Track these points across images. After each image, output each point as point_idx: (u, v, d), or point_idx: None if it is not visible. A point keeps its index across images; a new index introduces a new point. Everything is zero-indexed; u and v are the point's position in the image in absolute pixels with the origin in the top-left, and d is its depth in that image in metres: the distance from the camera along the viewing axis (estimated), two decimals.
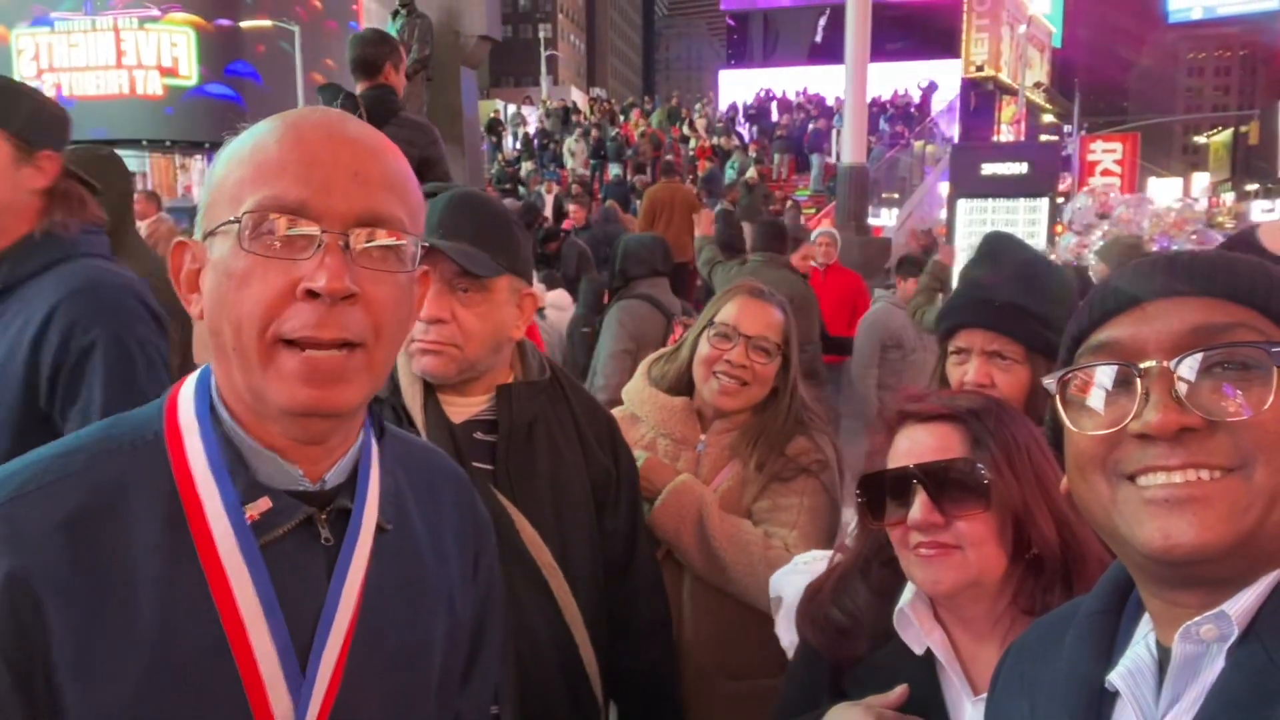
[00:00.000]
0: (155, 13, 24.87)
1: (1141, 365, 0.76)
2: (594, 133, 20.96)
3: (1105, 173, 24.45)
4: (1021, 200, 10.57)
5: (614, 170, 19.43)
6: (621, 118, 24.52)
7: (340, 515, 0.94)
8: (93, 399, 1.65)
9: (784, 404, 2.05)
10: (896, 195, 20.70)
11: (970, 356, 1.82)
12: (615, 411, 2.05)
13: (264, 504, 0.89)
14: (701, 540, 1.94)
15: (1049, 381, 0.84)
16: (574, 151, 20.61)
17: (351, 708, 0.92)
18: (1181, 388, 0.73)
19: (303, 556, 0.91)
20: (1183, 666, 0.76)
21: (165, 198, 13.08)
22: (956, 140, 27.72)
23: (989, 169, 10.85)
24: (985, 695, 1.05)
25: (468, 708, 1.12)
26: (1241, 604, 0.73)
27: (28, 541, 0.81)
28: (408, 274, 0.91)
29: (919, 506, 1.22)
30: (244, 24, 24.88)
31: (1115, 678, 0.80)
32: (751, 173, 16.37)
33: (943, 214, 14.37)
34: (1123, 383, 0.77)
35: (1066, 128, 43.59)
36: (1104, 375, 0.79)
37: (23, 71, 25.15)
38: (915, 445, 1.28)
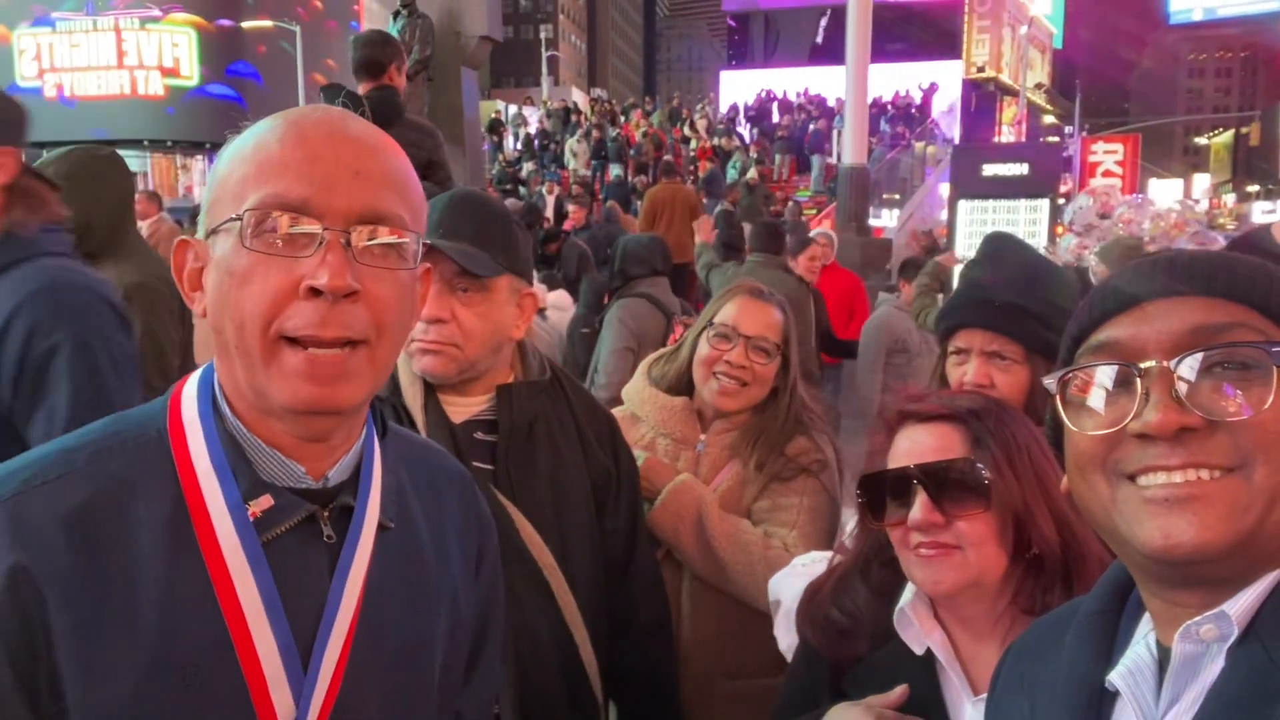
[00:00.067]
0: (156, 13, 24.90)
1: (1141, 365, 0.76)
2: (595, 133, 20.96)
3: (1106, 174, 24.46)
4: (1022, 201, 10.56)
5: (615, 171, 19.43)
6: (622, 118, 24.52)
7: (343, 513, 0.94)
8: (58, 403, 1.61)
9: (784, 404, 2.05)
10: (897, 196, 20.69)
11: (970, 356, 1.82)
12: (615, 411, 2.05)
13: (266, 501, 0.89)
14: (701, 540, 1.94)
15: (1049, 381, 0.84)
16: (576, 152, 20.61)
17: (353, 705, 0.92)
18: (1181, 387, 0.73)
19: (305, 554, 0.91)
20: (1183, 666, 0.76)
21: (166, 198, 13.09)
22: (957, 141, 27.73)
23: (990, 170, 10.84)
24: (985, 695, 1.05)
25: (469, 706, 1.13)
26: (1241, 604, 0.73)
27: (32, 537, 0.81)
28: (409, 271, 0.91)
29: (919, 506, 1.22)
30: (245, 24, 24.90)
31: (1115, 677, 0.80)
32: (752, 173, 16.38)
33: (944, 215, 14.37)
34: (1123, 382, 0.77)
35: (1068, 129, 43.60)
36: (1104, 375, 0.79)
37: (24, 71, 25.21)
38: (915, 445, 1.28)
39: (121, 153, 3.33)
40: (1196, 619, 0.74)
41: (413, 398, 1.59)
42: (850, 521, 1.44)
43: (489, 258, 1.55)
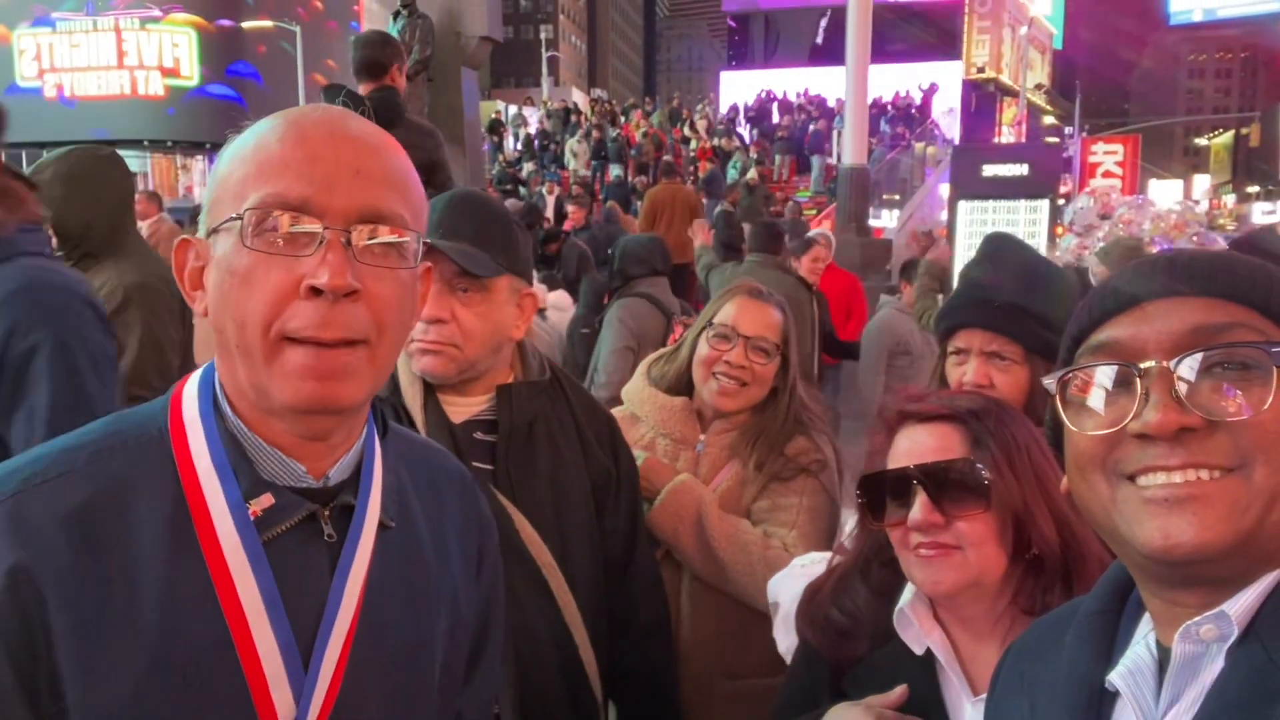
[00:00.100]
0: (157, 13, 24.91)
1: (1141, 365, 0.76)
2: (595, 134, 20.96)
3: (1106, 174, 24.49)
4: (1022, 202, 10.56)
5: (615, 171, 19.43)
6: (623, 119, 24.52)
7: (343, 512, 0.94)
8: (37, 403, 1.61)
9: (783, 404, 2.05)
10: (897, 197, 20.70)
11: (969, 357, 1.82)
12: (615, 411, 2.05)
13: (267, 500, 0.89)
14: (700, 540, 1.94)
15: (1049, 381, 0.84)
16: (576, 152, 20.61)
17: (353, 705, 0.92)
18: (1181, 388, 0.73)
19: (306, 553, 0.91)
20: (1182, 666, 0.76)
21: (166, 198, 13.09)
22: (957, 142, 27.73)
23: (990, 170, 10.83)
24: (985, 695, 1.05)
25: (469, 706, 1.12)
26: (1241, 604, 0.73)
27: (32, 536, 0.81)
28: (410, 270, 0.91)
29: (919, 507, 1.22)
30: (245, 24, 24.91)
31: (1115, 677, 0.80)
32: (752, 174, 16.38)
33: (943, 215, 14.37)
34: (1123, 383, 0.77)
35: (1068, 129, 43.62)
36: (1104, 375, 0.79)
37: (24, 72, 25.22)
38: (915, 445, 1.28)
39: (121, 153, 3.33)
40: (1196, 619, 0.74)
41: (412, 398, 1.59)
42: (849, 522, 1.44)
43: (489, 258, 1.55)
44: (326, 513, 0.93)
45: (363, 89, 4.07)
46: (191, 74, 25.18)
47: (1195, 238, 9.41)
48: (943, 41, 40.27)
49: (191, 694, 0.84)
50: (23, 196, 1.76)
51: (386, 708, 0.96)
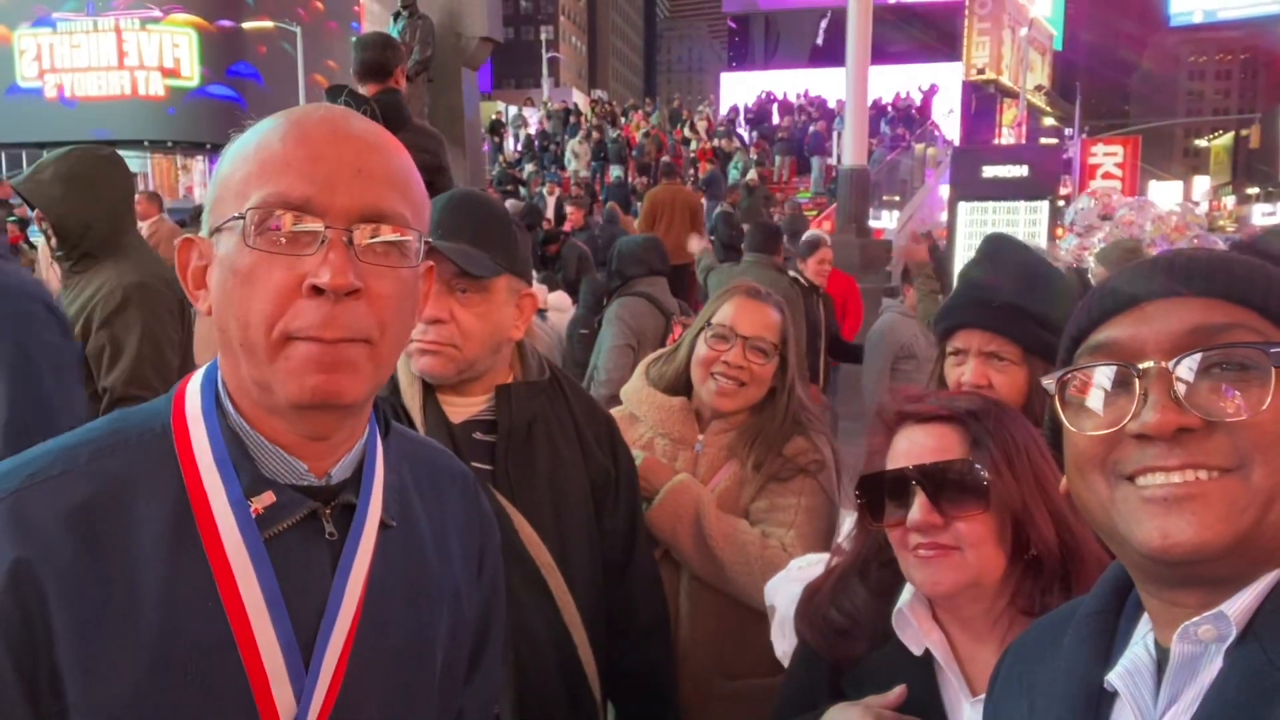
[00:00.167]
0: (157, 14, 24.94)
1: (1140, 365, 0.76)
2: (595, 134, 20.97)
3: (1106, 176, 24.48)
4: (1022, 203, 10.57)
5: (615, 172, 19.44)
6: (623, 119, 24.53)
7: (345, 511, 0.95)
8: None
9: (781, 404, 2.05)
10: (897, 198, 20.71)
11: (968, 357, 1.82)
12: (614, 411, 2.05)
13: (268, 498, 0.89)
14: (698, 540, 1.94)
15: (1048, 382, 0.84)
16: (578, 153, 20.62)
17: (354, 703, 0.92)
18: (1180, 388, 0.73)
19: (307, 551, 0.91)
20: (1181, 667, 0.76)
21: (166, 199, 13.10)
22: (957, 143, 27.73)
23: (990, 172, 10.85)
24: (983, 696, 1.05)
25: (470, 706, 1.13)
26: (1240, 604, 0.73)
27: (35, 532, 0.81)
28: (411, 269, 0.92)
29: (918, 507, 1.22)
30: (246, 25, 24.94)
31: (1114, 678, 0.80)
32: (752, 175, 16.39)
33: (944, 216, 14.38)
34: (1121, 383, 0.77)
35: (1068, 131, 43.63)
36: (1103, 375, 0.79)
37: (25, 72, 25.24)
38: (914, 446, 1.28)
39: (122, 153, 3.32)
40: (1195, 619, 0.74)
41: (411, 398, 1.59)
42: (847, 523, 1.44)
43: (488, 258, 1.55)
44: (328, 511, 0.93)
45: (368, 90, 4.07)
46: (192, 74, 25.22)
47: (1196, 240, 9.42)
48: (943, 43, 40.31)
49: (192, 692, 0.84)
50: None
51: (387, 706, 0.96)
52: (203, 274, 0.91)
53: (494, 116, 26.44)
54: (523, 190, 18.25)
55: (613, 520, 1.73)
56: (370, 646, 0.94)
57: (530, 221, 9.68)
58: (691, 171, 19.57)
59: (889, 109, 25.63)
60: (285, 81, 23.07)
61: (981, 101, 39.82)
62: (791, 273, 5.75)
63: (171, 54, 25.05)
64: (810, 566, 1.65)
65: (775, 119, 26.05)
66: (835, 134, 20.55)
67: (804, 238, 6.35)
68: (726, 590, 1.96)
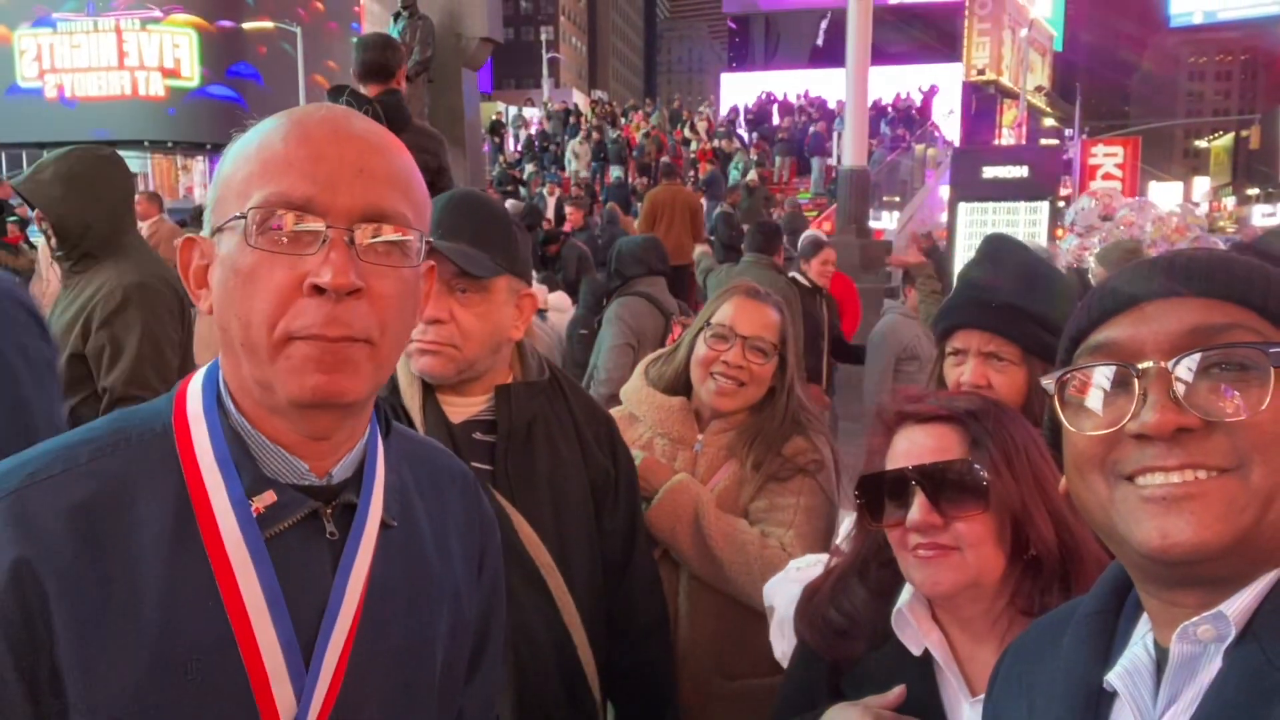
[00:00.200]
0: (157, 14, 24.95)
1: (1139, 366, 0.76)
2: (595, 135, 20.97)
3: (1106, 176, 24.48)
4: (1022, 203, 10.58)
5: (615, 173, 19.44)
6: (623, 120, 24.53)
7: (345, 510, 0.95)
8: None
9: (781, 404, 2.05)
10: (898, 198, 20.72)
11: (967, 357, 1.82)
12: (613, 411, 2.05)
13: (269, 497, 0.89)
14: (697, 539, 1.94)
15: (1047, 382, 0.84)
16: (578, 153, 20.63)
17: (354, 702, 0.92)
18: (1179, 388, 0.74)
19: (307, 550, 0.91)
20: (1180, 667, 0.76)
21: (166, 199, 13.12)
22: (957, 144, 27.73)
23: (990, 172, 10.86)
24: (983, 696, 1.05)
25: (470, 706, 1.13)
26: (1239, 604, 0.73)
27: (36, 530, 0.81)
28: (413, 269, 0.92)
29: (917, 508, 1.22)
30: (246, 25, 24.95)
31: (1113, 678, 0.80)
32: (752, 175, 16.40)
33: (944, 217, 14.39)
34: (1121, 383, 0.78)
35: (1068, 131, 43.64)
36: (1102, 375, 0.79)
37: (25, 72, 25.26)
38: (914, 446, 1.28)
39: (122, 153, 3.32)
40: (1194, 619, 0.74)
41: (411, 398, 1.59)
42: (846, 524, 1.44)
43: (487, 258, 1.55)
44: (329, 511, 0.93)
45: (370, 91, 4.07)
46: (192, 75, 25.23)
47: (1196, 241, 9.42)
48: (943, 43, 40.33)
49: (193, 690, 0.84)
50: None
51: (387, 706, 0.96)
52: (204, 273, 0.91)
53: (494, 117, 26.45)
54: (523, 191, 18.26)
55: (612, 520, 1.73)
56: (370, 646, 0.94)
57: (530, 222, 9.68)
58: (692, 172, 19.57)
59: (889, 110, 25.63)
60: (285, 82, 23.08)
61: (981, 102, 39.84)
62: (794, 274, 5.75)
63: (172, 54, 25.06)
64: (809, 567, 1.65)
65: (775, 119, 26.04)
66: (835, 134, 20.55)
67: (805, 236, 6.36)
68: (725, 590, 1.96)
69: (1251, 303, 0.76)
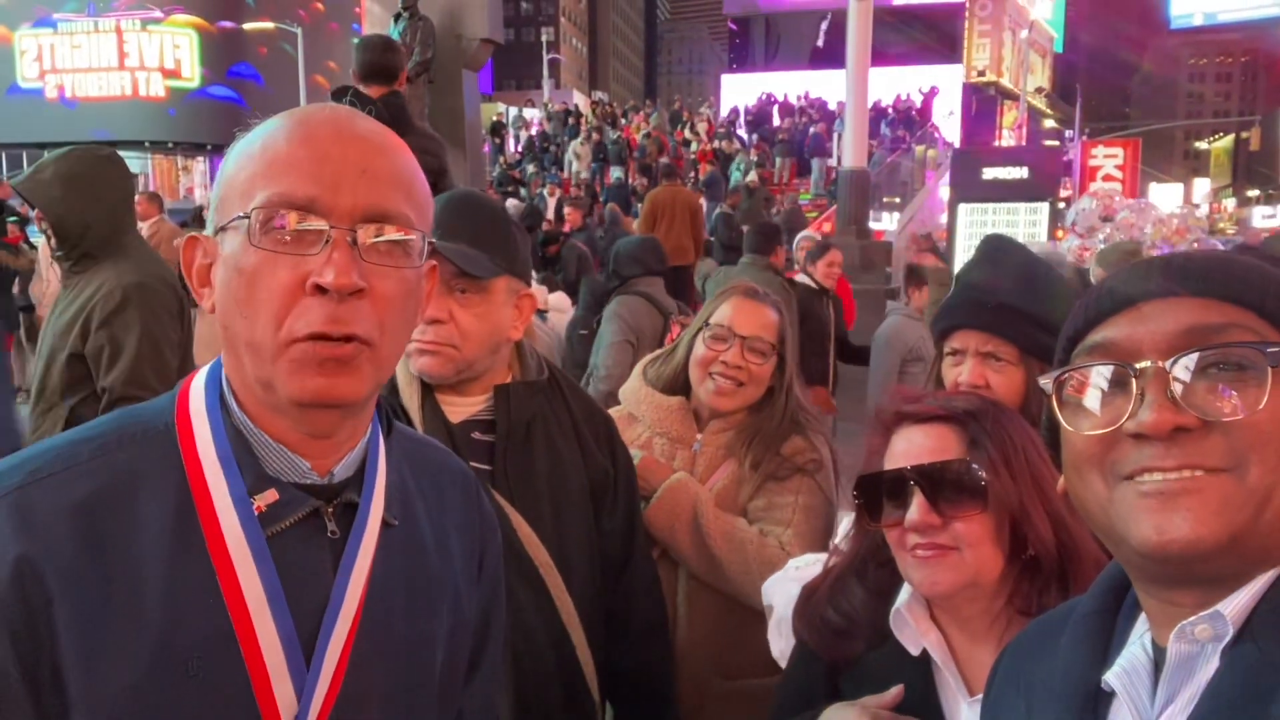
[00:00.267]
0: (158, 14, 24.95)
1: (1137, 365, 0.76)
2: (595, 136, 20.98)
3: (1107, 178, 24.43)
4: (1022, 204, 10.59)
5: (615, 173, 19.45)
6: (623, 121, 24.54)
7: (347, 509, 0.95)
8: None
9: (779, 404, 2.05)
10: (898, 199, 20.73)
11: (965, 357, 1.82)
12: (612, 411, 2.05)
13: (271, 495, 0.89)
14: (696, 538, 1.94)
15: (1045, 381, 0.84)
16: (579, 154, 20.63)
17: (354, 701, 0.93)
18: (1177, 388, 0.74)
19: (309, 549, 0.92)
20: (1178, 666, 0.76)
21: (167, 199, 13.11)
22: (958, 145, 27.73)
23: (990, 173, 10.88)
24: (981, 696, 1.05)
25: (471, 705, 1.13)
26: (1236, 604, 0.73)
27: (38, 528, 0.82)
28: (415, 269, 0.92)
29: (916, 508, 1.22)
30: (246, 26, 24.95)
31: (1111, 677, 0.80)
32: (752, 176, 16.40)
33: (944, 218, 14.39)
34: (1118, 383, 0.78)
35: (1068, 133, 43.65)
36: (1100, 375, 0.79)
37: (25, 73, 25.26)
38: (912, 446, 1.28)
39: (122, 154, 3.33)
40: (1191, 619, 0.74)
41: (410, 398, 1.60)
42: (844, 524, 1.44)
43: (487, 259, 1.55)
44: (330, 509, 0.93)
45: (373, 92, 4.07)
46: (192, 75, 25.22)
47: (1196, 243, 9.42)
48: (943, 45, 40.35)
49: (194, 687, 0.84)
50: None
51: (387, 704, 0.97)
52: (208, 272, 0.91)
53: (495, 118, 26.44)
54: (523, 191, 18.27)
55: (611, 520, 1.73)
56: (371, 644, 0.94)
57: (530, 223, 9.69)
58: (692, 173, 19.57)
59: (889, 111, 25.63)
60: (286, 82, 23.06)
61: (982, 103, 39.85)
62: (801, 276, 5.75)
63: (172, 55, 25.05)
64: (808, 566, 1.65)
65: (776, 121, 26.03)
66: (835, 136, 20.56)
67: (804, 235, 6.36)
68: (724, 589, 1.96)
69: (1249, 303, 0.76)
